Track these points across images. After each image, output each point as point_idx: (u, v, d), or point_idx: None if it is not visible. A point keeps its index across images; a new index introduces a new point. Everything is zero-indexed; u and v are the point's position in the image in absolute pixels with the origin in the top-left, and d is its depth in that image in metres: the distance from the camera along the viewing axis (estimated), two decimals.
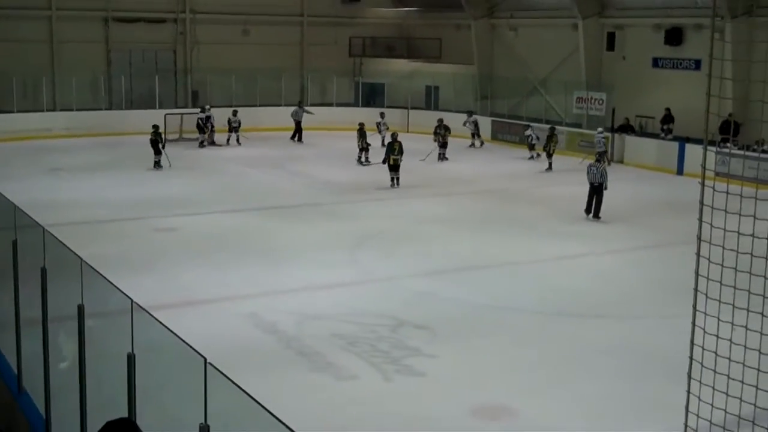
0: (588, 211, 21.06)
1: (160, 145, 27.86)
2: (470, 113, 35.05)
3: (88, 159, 29.08)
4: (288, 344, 12.37)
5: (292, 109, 35.84)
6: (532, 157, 30.63)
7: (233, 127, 33.18)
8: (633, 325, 13.64)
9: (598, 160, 21.59)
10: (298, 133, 35.00)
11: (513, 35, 38.30)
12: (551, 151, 29.06)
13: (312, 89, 40.78)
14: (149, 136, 27.95)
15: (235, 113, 33.79)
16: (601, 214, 20.90)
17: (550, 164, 28.97)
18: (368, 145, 29.24)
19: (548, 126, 31.09)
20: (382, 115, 33.49)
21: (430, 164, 29.14)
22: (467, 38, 39.53)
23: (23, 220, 8.93)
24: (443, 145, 30.59)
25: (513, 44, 38.28)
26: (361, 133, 29.71)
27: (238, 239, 18.47)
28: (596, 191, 21.03)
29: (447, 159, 30.13)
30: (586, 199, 21.08)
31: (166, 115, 33.80)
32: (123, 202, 22.10)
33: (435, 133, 31.19)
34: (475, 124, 34.43)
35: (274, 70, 38.71)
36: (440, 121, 31.67)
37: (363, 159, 29.07)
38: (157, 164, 27.64)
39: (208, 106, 34.05)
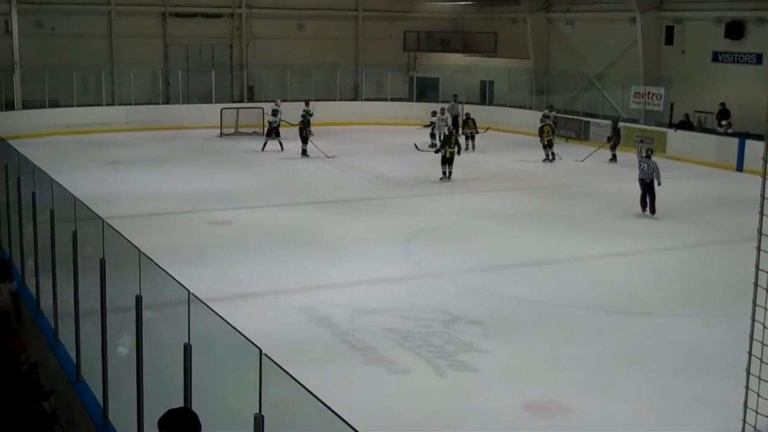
0: (643, 206, 20.82)
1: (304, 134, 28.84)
2: (551, 107, 34.15)
3: (146, 152, 29.49)
4: (342, 338, 12.41)
5: (448, 104, 35.33)
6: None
7: (307, 120, 31.17)
8: (687, 323, 13.43)
9: (647, 156, 21.29)
10: (457, 127, 34.42)
11: (569, 29, 37.97)
12: (615, 144, 29.04)
13: (366, 84, 40.83)
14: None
15: (307, 103, 33.58)
16: (656, 210, 20.62)
17: (614, 155, 28.97)
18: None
19: (611, 120, 30.75)
20: (442, 110, 33.26)
21: (481, 158, 28.99)
22: (523, 32, 39.29)
23: (83, 212, 9.08)
24: (471, 138, 30.71)
25: (569, 38, 37.95)
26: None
27: (291, 233, 18.58)
28: (647, 188, 20.78)
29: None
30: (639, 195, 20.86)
31: (222, 109, 34.16)
32: (179, 195, 22.38)
33: (464, 126, 31.24)
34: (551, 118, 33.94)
35: (328, 65, 38.86)
36: (468, 115, 31.89)
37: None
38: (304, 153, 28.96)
39: (278, 101, 33.70)
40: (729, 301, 12.57)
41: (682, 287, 15.35)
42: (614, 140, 29.36)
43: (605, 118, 33.55)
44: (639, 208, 20.78)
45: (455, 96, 36.42)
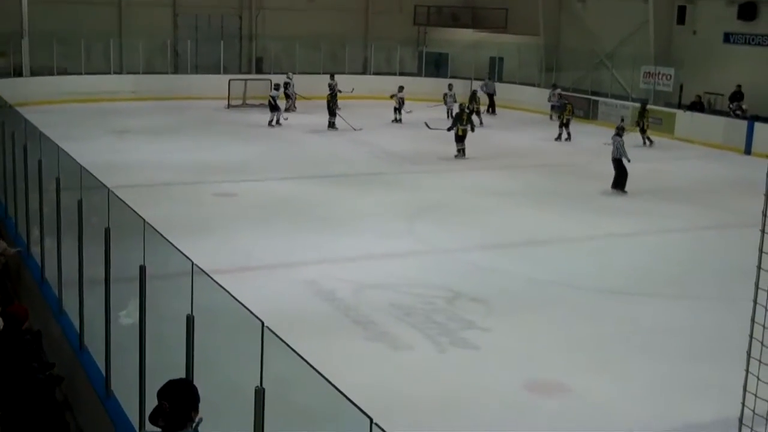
0: (614, 185, 20.97)
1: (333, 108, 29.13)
2: (554, 86, 34.55)
3: (153, 122, 29.46)
4: (345, 312, 12.45)
5: (482, 82, 35.53)
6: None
7: (333, 94, 30.92)
8: (690, 305, 13.45)
9: (617, 134, 21.21)
10: (491, 106, 34.71)
11: (581, 6, 37.73)
12: (645, 127, 28.56)
13: (376, 58, 40.66)
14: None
15: (332, 76, 33.70)
16: (626, 188, 20.77)
17: (648, 138, 28.55)
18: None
19: (639, 102, 30.34)
20: (450, 86, 33.14)
21: (488, 135, 28.91)
22: (534, 9, 39.03)
23: (88, 181, 9.08)
24: (477, 113, 30.61)
25: (580, 15, 37.71)
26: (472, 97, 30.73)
27: (297, 206, 18.59)
28: (616, 165, 20.94)
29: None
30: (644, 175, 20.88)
31: (230, 80, 34.08)
32: (185, 165, 22.37)
33: (470, 102, 30.85)
34: (560, 96, 33.97)
35: (338, 37, 38.69)
36: (474, 92, 31.98)
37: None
38: (332, 125, 29.25)
39: (290, 73, 34.15)
40: (734, 285, 12.55)
41: (687, 269, 15.33)
42: (642, 123, 28.71)
43: (614, 97, 33.43)
44: (650, 188, 20.64)
45: (489, 74, 36.42)
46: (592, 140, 28.59)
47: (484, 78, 37.06)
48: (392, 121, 31.56)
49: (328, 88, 31.11)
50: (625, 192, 20.79)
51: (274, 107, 30.04)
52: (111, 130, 27.42)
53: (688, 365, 10.99)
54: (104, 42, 35.24)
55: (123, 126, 28.17)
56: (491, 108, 34.97)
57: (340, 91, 30.70)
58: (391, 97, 32.13)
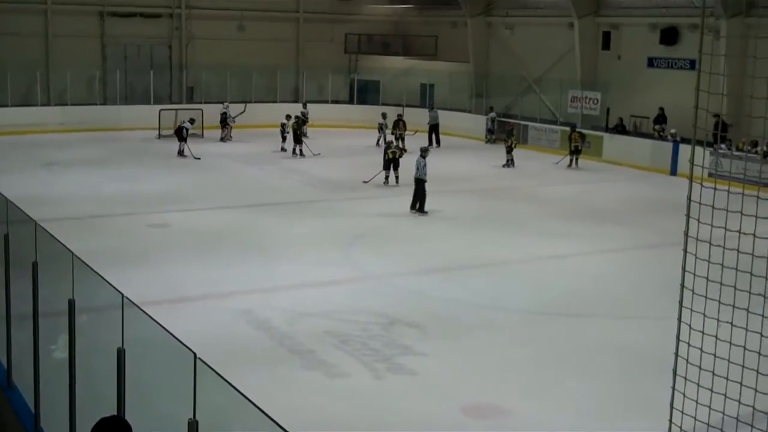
0: (412, 206, 21.10)
1: (299, 134, 29.91)
2: (491, 109, 35.38)
3: (82, 154, 29.03)
4: (280, 341, 12.37)
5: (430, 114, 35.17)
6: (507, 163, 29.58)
7: (303, 121, 31.96)
8: (624, 324, 13.66)
9: (422, 155, 21.58)
10: (437, 138, 34.06)
11: (509, 33, 38.35)
12: (579, 148, 29.39)
13: (307, 86, 40.73)
14: (289, 127, 30.20)
15: (305, 105, 34.76)
16: (427, 209, 20.97)
17: (575, 160, 29.40)
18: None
19: (570, 125, 31.21)
20: (383, 115, 33.19)
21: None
22: (463, 36, 39.57)
23: (15, 215, 8.92)
24: (401, 139, 30.75)
25: (509, 42, 38.32)
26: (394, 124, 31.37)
27: (231, 236, 18.45)
28: (416, 185, 21.16)
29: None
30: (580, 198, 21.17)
31: (160, 110, 33.80)
32: (116, 197, 22.07)
33: (394, 127, 31.34)
34: (493, 121, 34.56)
35: (269, 66, 38.69)
36: (399, 116, 32.33)
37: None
38: (295, 152, 29.91)
39: (226, 103, 34.31)
40: (665, 304, 12.77)
41: (619, 289, 15.58)
42: (571, 146, 29.55)
43: (542, 121, 34.00)
44: (581, 210, 20.98)
45: (431, 104, 36.43)
46: (524, 164, 28.98)
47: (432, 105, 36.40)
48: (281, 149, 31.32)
49: (301, 116, 32.16)
50: (425, 213, 20.93)
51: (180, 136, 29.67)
52: (39, 162, 26.95)
53: (623, 384, 11.14)
54: (31, 73, 34.70)
55: (51, 158, 27.71)
56: (437, 140, 33.93)
57: (306, 120, 32.11)
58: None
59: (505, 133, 30.91)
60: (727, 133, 24.22)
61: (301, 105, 35.10)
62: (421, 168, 21.13)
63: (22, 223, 8.77)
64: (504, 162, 29.05)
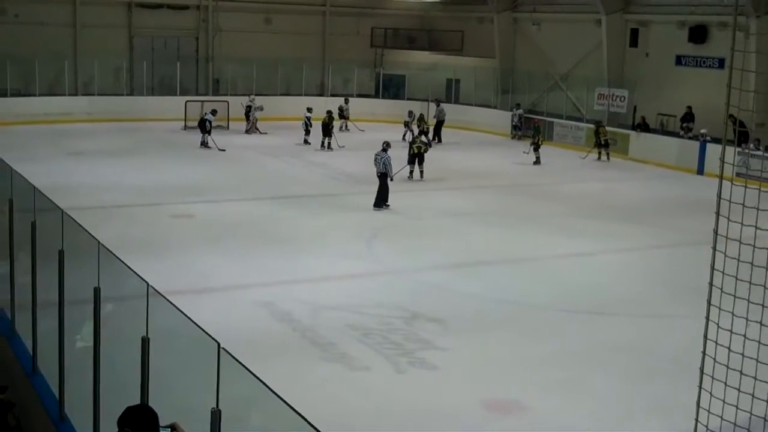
0: (376, 204, 20.92)
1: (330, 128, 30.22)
2: (518, 106, 35.26)
3: (109, 144, 29.21)
4: (302, 334, 12.41)
5: (435, 109, 34.88)
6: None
7: (344, 116, 32.81)
8: (646, 323, 13.59)
9: (383, 149, 21.53)
10: (437, 134, 33.93)
11: (535, 29, 38.17)
12: (602, 142, 29.84)
13: (333, 80, 40.76)
14: (323, 120, 30.23)
15: (347, 101, 35.52)
16: (390, 203, 20.87)
17: (606, 153, 29.93)
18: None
19: (595, 122, 31.29)
20: (410, 113, 33.09)
21: (445, 156, 29.06)
22: (489, 31, 39.41)
23: (42, 203, 8.99)
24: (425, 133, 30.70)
25: (535, 39, 38.15)
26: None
27: (254, 228, 18.52)
28: (380, 180, 21.05)
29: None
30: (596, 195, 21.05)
31: (186, 102, 33.94)
32: (141, 187, 22.20)
33: (419, 121, 31.31)
34: (520, 117, 34.54)
35: (295, 59, 38.74)
36: (421, 114, 32.41)
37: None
38: (323, 145, 30.21)
39: (252, 96, 34.46)
40: (687, 304, 12.72)
41: (642, 288, 15.49)
42: (599, 141, 29.99)
43: (569, 118, 33.86)
44: (604, 208, 20.83)
45: (437, 99, 36.26)
46: (548, 161, 28.87)
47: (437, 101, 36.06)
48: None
49: (339, 111, 33.15)
50: (387, 206, 20.83)
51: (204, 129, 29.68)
52: (66, 151, 27.14)
53: (644, 383, 11.08)
54: (59, 63, 34.93)
55: (78, 148, 27.89)
56: (437, 136, 33.65)
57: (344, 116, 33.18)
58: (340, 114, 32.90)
59: (532, 129, 30.89)
60: (746, 129, 23.90)
61: (335, 99, 35.58)
62: (382, 163, 21.12)
63: (48, 211, 8.85)
64: (534, 160, 28.87)
